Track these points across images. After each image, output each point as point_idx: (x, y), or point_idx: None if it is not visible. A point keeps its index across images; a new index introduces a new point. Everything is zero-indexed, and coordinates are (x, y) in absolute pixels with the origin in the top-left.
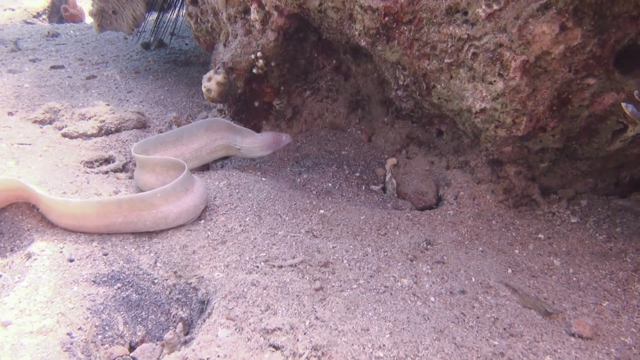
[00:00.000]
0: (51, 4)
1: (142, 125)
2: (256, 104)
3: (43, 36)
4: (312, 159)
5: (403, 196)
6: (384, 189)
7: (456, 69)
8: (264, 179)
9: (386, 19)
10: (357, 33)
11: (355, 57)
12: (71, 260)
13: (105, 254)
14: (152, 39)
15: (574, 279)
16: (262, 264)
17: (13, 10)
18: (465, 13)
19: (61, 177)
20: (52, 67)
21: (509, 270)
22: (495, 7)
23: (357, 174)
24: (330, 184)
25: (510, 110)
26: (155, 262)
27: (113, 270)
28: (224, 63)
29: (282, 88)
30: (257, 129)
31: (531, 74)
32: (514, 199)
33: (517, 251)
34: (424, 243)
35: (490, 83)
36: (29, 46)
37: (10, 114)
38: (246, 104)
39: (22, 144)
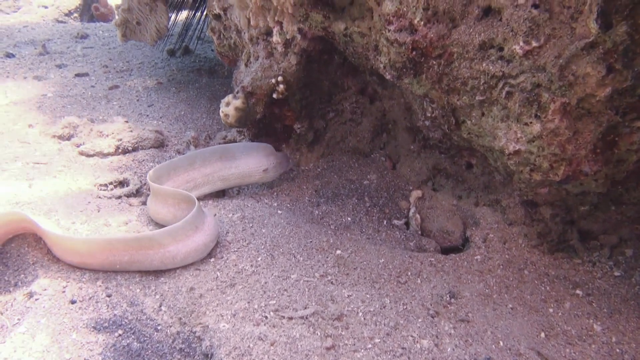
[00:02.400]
0: (83, 2)
1: (160, 145)
2: (277, 127)
3: (72, 37)
4: (332, 189)
5: (427, 233)
6: (407, 224)
7: (488, 107)
8: (279, 211)
9: (414, 53)
10: (382, 66)
11: (382, 79)
12: (73, 302)
13: (109, 295)
14: (177, 46)
15: (617, 350)
16: (272, 313)
17: (46, 7)
18: (501, 49)
19: (72, 205)
20: (77, 75)
21: (542, 335)
22: (534, 44)
23: (379, 207)
24: (349, 218)
25: (547, 154)
26: (160, 306)
27: (115, 315)
28: (244, 87)
29: (304, 112)
30: None
31: (572, 115)
32: (550, 244)
33: (551, 310)
34: (448, 296)
35: (526, 124)
36: (57, 49)
37: (30, 126)
38: (266, 127)
39: (37, 163)
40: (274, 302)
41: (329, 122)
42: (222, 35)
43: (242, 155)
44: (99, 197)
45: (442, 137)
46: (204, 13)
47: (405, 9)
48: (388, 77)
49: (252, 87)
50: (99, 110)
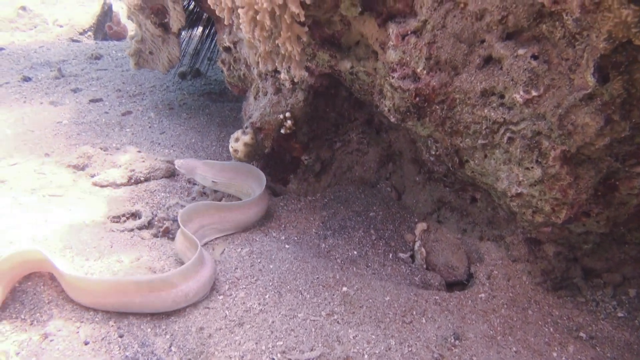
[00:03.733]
0: (97, 21)
1: (171, 175)
2: (285, 158)
3: (87, 58)
4: (339, 221)
5: (432, 267)
6: (412, 257)
7: (491, 149)
8: (287, 245)
9: (417, 99)
10: (386, 109)
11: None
12: (86, 343)
13: (121, 336)
14: (188, 68)
15: None
16: (279, 355)
17: (61, 27)
18: (502, 96)
19: (86, 241)
20: (91, 101)
21: None
22: (533, 93)
23: (385, 240)
24: (355, 252)
25: (549, 198)
26: (170, 347)
27: (127, 357)
28: (252, 123)
29: (311, 143)
30: (285, 183)
31: (573, 162)
32: (553, 281)
33: (555, 354)
34: (452, 337)
35: (528, 169)
36: (72, 71)
37: (47, 155)
38: (274, 158)
39: (53, 196)
40: (282, 343)
41: (336, 152)
42: (231, 67)
43: (239, 209)
44: (112, 231)
45: (446, 171)
46: (214, 40)
47: (408, 58)
48: (392, 119)
49: (260, 123)
50: (112, 137)
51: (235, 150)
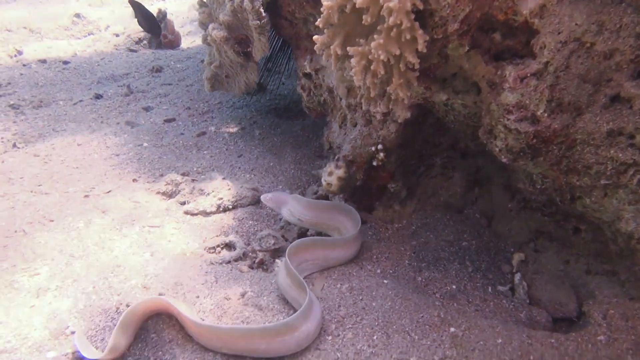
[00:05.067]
0: None
1: (257, 202)
2: (371, 187)
3: (148, 71)
4: (431, 252)
5: (536, 302)
6: (511, 289)
7: (613, 189)
8: (385, 281)
9: (534, 140)
10: (497, 149)
11: (474, 136)
12: None
13: None
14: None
15: None
16: None
17: (117, 36)
18: (632, 137)
19: (192, 276)
20: (165, 121)
21: None
22: None
23: (482, 272)
24: (454, 286)
25: None
26: None
27: None
28: (345, 156)
29: (397, 171)
30: (370, 210)
31: None
32: None
33: None
34: None
35: None
36: (138, 86)
37: (135, 180)
38: (361, 188)
39: (152, 227)
40: None
41: (420, 177)
42: (312, 93)
43: (342, 246)
44: (212, 264)
45: (546, 201)
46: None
47: (527, 101)
48: (503, 160)
49: (352, 156)
50: (192, 160)
51: (329, 184)
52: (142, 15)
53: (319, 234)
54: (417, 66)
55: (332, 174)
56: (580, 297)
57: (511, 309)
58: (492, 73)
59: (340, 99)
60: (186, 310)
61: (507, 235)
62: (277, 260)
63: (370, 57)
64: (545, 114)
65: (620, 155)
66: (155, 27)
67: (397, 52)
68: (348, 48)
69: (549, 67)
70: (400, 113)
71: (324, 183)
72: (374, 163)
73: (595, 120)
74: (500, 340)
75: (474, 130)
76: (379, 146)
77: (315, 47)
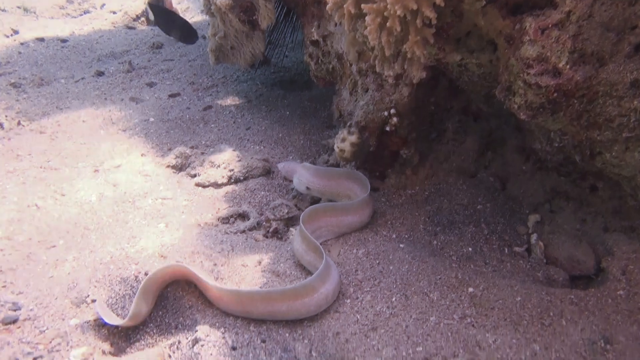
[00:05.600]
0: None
1: (267, 173)
2: (383, 154)
3: (149, 48)
4: (446, 215)
5: (553, 261)
6: (528, 250)
7: (636, 142)
8: (401, 245)
9: (555, 94)
10: (516, 106)
11: (488, 98)
12: (234, 349)
13: (264, 341)
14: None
15: None
16: None
17: (114, 13)
18: None
19: (209, 245)
20: (170, 96)
21: None
22: None
23: (498, 234)
24: (470, 248)
25: None
26: (310, 351)
27: None
28: (357, 122)
29: (410, 136)
30: (382, 177)
31: None
32: None
33: None
34: (602, 341)
35: None
36: (140, 63)
37: (143, 155)
38: (373, 154)
39: (164, 199)
40: (421, 349)
41: (432, 143)
42: (320, 61)
43: (355, 211)
44: (227, 233)
45: (562, 160)
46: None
47: (548, 54)
48: (522, 117)
49: (365, 122)
50: (200, 134)
51: (342, 151)
52: (159, 14)
53: (330, 202)
54: (434, 21)
55: (345, 140)
56: (598, 255)
57: (528, 269)
58: (510, 27)
59: (351, 64)
60: (208, 279)
61: (522, 197)
62: (291, 229)
63: (385, 13)
64: (568, 66)
65: None
66: (170, 22)
67: (415, 7)
68: (363, 5)
69: (572, 17)
70: (415, 73)
71: (336, 150)
72: (387, 128)
73: (618, 71)
74: (519, 298)
75: (488, 90)
76: (392, 110)
77: (327, 7)
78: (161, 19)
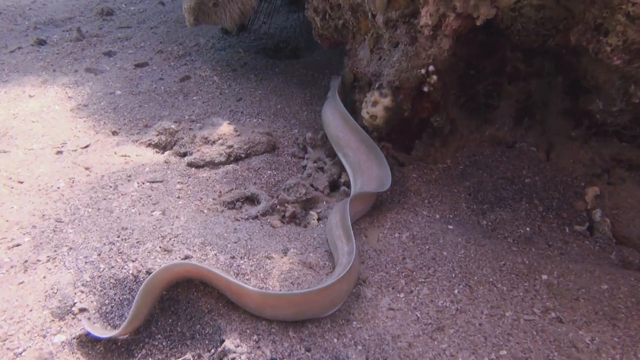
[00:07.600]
0: None
1: (272, 148)
2: (411, 121)
3: (97, 14)
4: (490, 191)
5: (623, 241)
6: (589, 229)
7: None
8: (450, 226)
9: None
10: (609, 49)
11: (527, 56)
12: None
13: (308, 350)
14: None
15: None
16: None
17: None
18: None
19: (220, 234)
20: (137, 66)
21: None
22: None
23: (555, 211)
24: (528, 228)
25: None
26: None
27: None
28: (390, 82)
29: (442, 101)
30: (408, 150)
31: None
32: None
33: None
34: None
35: None
36: (89, 31)
37: (114, 133)
38: (399, 123)
39: (153, 182)
40: (505, 352)
41: (461, 109)
42: (327, 16)
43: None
44: (237, 220)
45: (627, 122)
46: None
47: None
48: (616, 62)
49: (399, 81)
50: (180, 107)
51: (373, 117)
52: None
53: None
54: None
55: (376, 104)
56: None
57: (598, 251)
58: None
59: (374, 15)
60: (229, 277)
61: (572, 168)
62: (310, 212)
63: None
64: None
65: None
66: None
67: None
68: None
69: None
70: (482, 10)
71: (366, 116)
72: (425, 88)
73: None
74: (605, 286)
75: (543, 41)
76: (430, 67)
77: None
78: None
